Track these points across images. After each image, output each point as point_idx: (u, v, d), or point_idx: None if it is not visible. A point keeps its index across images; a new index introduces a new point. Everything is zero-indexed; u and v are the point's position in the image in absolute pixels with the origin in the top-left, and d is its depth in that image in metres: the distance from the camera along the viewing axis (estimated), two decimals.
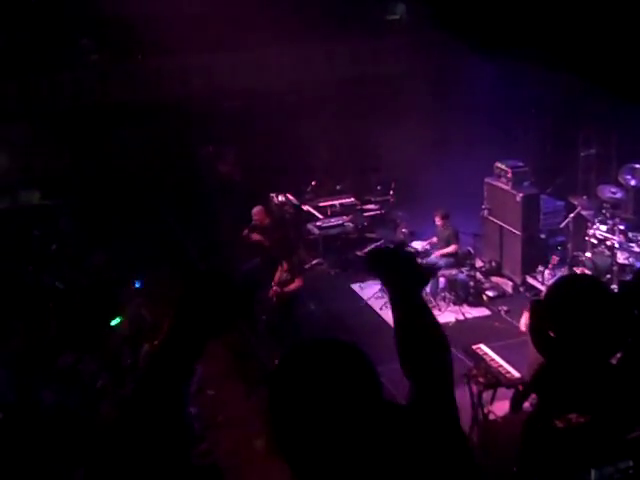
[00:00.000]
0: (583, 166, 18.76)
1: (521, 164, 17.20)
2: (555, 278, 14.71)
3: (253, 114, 20.14)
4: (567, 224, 16.77)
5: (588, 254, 15.85)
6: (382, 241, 17.12)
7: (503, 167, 17.14)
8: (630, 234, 15.86)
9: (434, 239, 16.96)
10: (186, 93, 20.00)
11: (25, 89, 19.41)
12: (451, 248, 16.57)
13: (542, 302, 3.72)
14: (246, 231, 16.03)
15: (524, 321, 12.75)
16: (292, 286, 14.17)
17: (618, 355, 3.92)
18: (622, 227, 15.83)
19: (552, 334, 3.57)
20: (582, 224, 16.56)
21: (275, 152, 20.05)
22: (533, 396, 5.27)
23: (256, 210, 16.11)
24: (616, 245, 15.52)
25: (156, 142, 20.07)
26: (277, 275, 14.42)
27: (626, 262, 15.28)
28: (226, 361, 13.48)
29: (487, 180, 17.54)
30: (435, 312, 14.73)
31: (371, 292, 16.60)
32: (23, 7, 19.63)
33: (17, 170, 19.15)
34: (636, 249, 15.47)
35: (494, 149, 18.48)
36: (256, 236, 15.86)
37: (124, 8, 17.98)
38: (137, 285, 14.17)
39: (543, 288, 15.20)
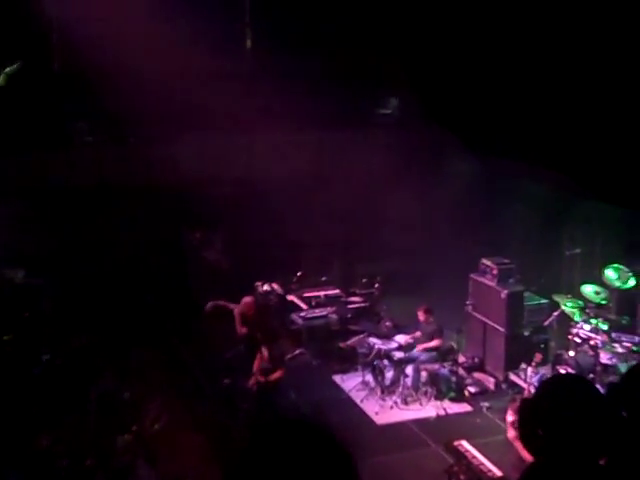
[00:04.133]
0: (568, 265, 18.75)
1: (507, 261, 17.20)
2: (540, 376, 14.57)
3: (243, 201, 20.09)
4: (551, 322, 16.70)
5: (571, 353, 15.72)
6: (365, 334, 16.97)
7: (489, 263, 17.14)
8: (613, 334, 15.83)
9: (417, 333, 16.81)
10: (177, 178, 19.97)
11: (19, 167, 19.37)
12: (434, 342, 16.46)
13: (531, 400, 3.69)
14: (211, 304, 15.85)
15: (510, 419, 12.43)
16: (275, 375, 14.04)
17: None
18: (605, 327, 15.76)
19: (540, 433, 3.53)
20: (566, 323, 16.46)
21: (263, 241, 19.95)
22: None
23: (245, 301, 15.91)
24: (599, 345, 15.43)
25: (145, 226, 19.96)
26: (256, 364, 14.25)
27: (609, 362, 15.17)
28: (205, 450, 13.19)
29: (472, 276, 17.50)
30: (416, 406, 14.67)
31: (352, 384, 16.47)
32: (24, 86, 19.69)
33: (3, 247, 18.97)
34: (619, 349, 15.40)
35: (480, 245, 18.48)
36: (241, 326, 15.64)
37: (119, 95, 18.05)
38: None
39: (525, 385, 15.03)
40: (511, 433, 12.29)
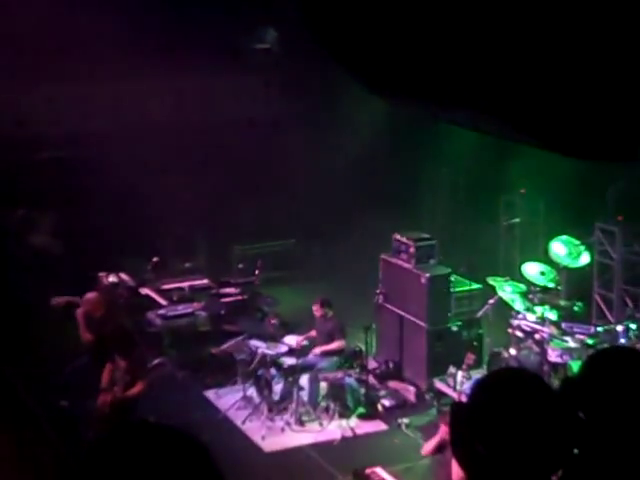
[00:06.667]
0: (505, 239, 19.05)
1: (427, 236, 17.50)
2: (475, 380, 14.85)
3: (78, 169, 19.90)
4: (486, 313, 17.07)
5: (512, 351, 16.14)
6: (245, 335, 17.14)
7: (404, 240, 17.40)
8: (563, 325, 16.29)
9: (313, 332, 17.08)
10: None
11: None
12: (335, 344, 16.72)
13: (466, 405, 3.67)
14: (62, 299, 15.92)
15: (433, 443, 12.49)
16: (134, 390, 14.02)
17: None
18: (554, 316, 16.25)
19: (479, 446, 3.54)
20: (504, 313, 16.94)
21: (106, 219, 19.95)
22: None
23: (90, 298, 15.84)
24: (546, 339, 15.88)
25: None
26: (106, 377, 14.18)
27: (559, 360, 15.61)
28: None
29: (383, 256, 17.78)
30: (315, 427, 14.85)
31: (231, 401, 16.58)
32: None
33: None
34: (571, 344, 15.85)
35: (393, 216, 18.73)
36: (86, 331, 15.61)
37: None
38: None
39: (455, 395, 15.44)
40: (427, 448, 12.59)
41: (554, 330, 16.07)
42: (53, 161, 19.99)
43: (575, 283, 18.08)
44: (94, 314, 15.60)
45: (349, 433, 15.68)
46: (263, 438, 15.53)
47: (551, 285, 16.91)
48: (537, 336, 16.04)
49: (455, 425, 3.69)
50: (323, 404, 16.20)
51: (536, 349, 15.97)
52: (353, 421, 15.99)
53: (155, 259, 19.66)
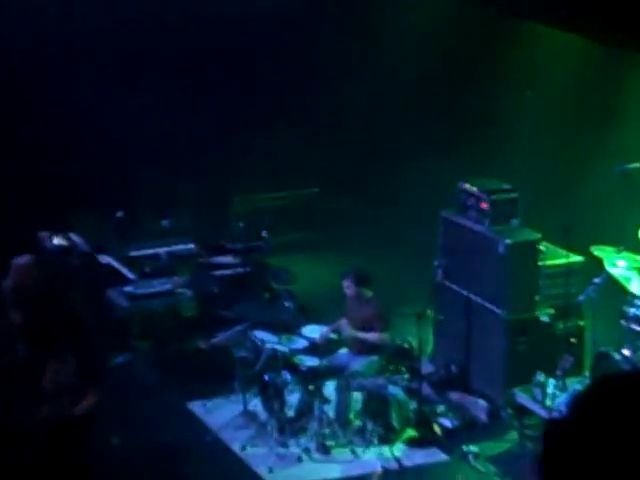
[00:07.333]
0: (618, 192, 19.05)
1: (506, 186, 17.42)
2: (573, 391, 14.81)
3: (6, 84, 19.94)
4: (589, 297, 16.86)
5: (626, 351, 15.97)
6: (247, 324, 17.10)
7: (474, 191, 17.28)
8: None
9: (343, 322, 16.94)
10: None
11: None
12: (372, 336, 16.57)
13: (564, 424, 3.53)
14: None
15: None
16: (85, 404, 13.81)
17: None
18: None
19: None
20: (616, 297, 16.76)
21: (50, 158, 19.89)
22: None
23: (22, 263, 15.72)
24: None
25: None
26: (49, 380, 14.14)
27: None
28: None
29: (445, 214, 17.72)
30: (345, 455, 14.88)
31: (225, 417, 16.56)
32: None
33: None
34: None
35: (459, 159, 18.69)
36: (16, 309, 15.56)
37: None
38: None
39: (544, 412, 15.27)
40: None
41: None
42: None
43: None
44: (25, 284, 15.45)
45: (393, 465, 15.54)
46: (271, 470, 15.40)
47: None
48: None
49: (548, 453, 3.52)
50: (357, 423, 16.08)
51: None
52: (399, 448, 15.86)
53: (119, 214, 19.53)
